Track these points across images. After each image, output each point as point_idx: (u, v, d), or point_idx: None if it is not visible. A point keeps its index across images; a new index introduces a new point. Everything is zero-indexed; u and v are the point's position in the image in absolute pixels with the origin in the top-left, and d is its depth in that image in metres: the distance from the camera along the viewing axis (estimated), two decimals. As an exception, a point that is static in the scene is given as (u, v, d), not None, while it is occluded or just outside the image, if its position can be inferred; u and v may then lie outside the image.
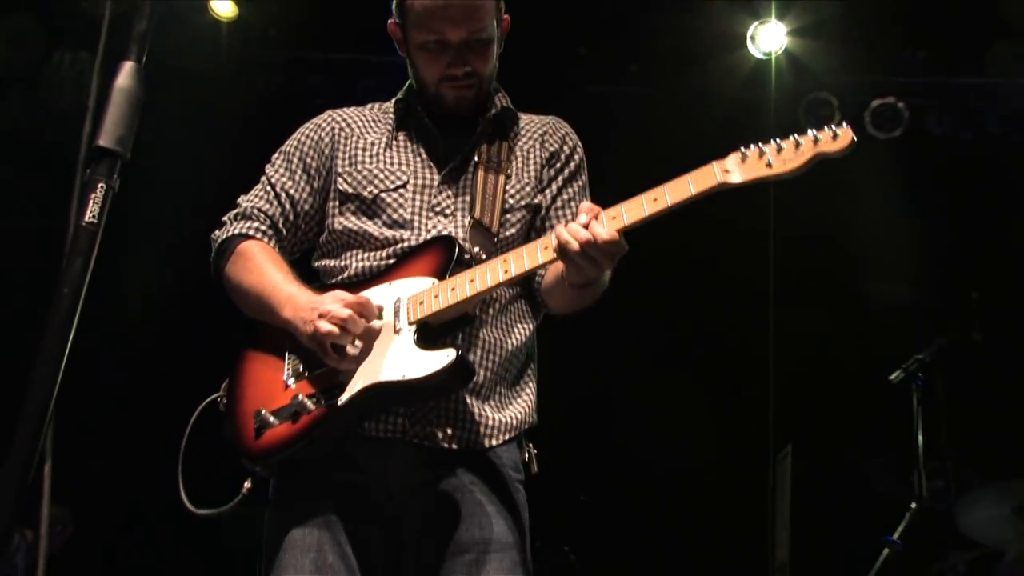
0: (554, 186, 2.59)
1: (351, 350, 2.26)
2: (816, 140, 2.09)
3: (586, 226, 2.16)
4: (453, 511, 2.33)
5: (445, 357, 2.21)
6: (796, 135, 2.13)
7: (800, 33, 6.39)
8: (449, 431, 2.36)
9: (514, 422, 2.45)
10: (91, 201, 1.56)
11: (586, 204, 2.22)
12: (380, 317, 2.31)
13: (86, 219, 1.55)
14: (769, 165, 2.12)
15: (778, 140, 2.14)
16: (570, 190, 2.60)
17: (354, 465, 2.34)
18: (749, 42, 6.37)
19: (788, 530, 6.26)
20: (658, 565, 6.60)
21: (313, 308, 2.28)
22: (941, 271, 6.39)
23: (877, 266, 6.18)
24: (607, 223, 2.16)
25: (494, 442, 2.40)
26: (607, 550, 5.47)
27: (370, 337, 2.28)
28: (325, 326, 2.23)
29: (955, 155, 6.71)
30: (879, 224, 6.24)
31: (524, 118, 2.67)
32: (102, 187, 1.58)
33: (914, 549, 5.21)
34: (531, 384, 2.54)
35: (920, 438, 5.30)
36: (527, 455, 2.50)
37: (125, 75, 1.62)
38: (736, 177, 2.12)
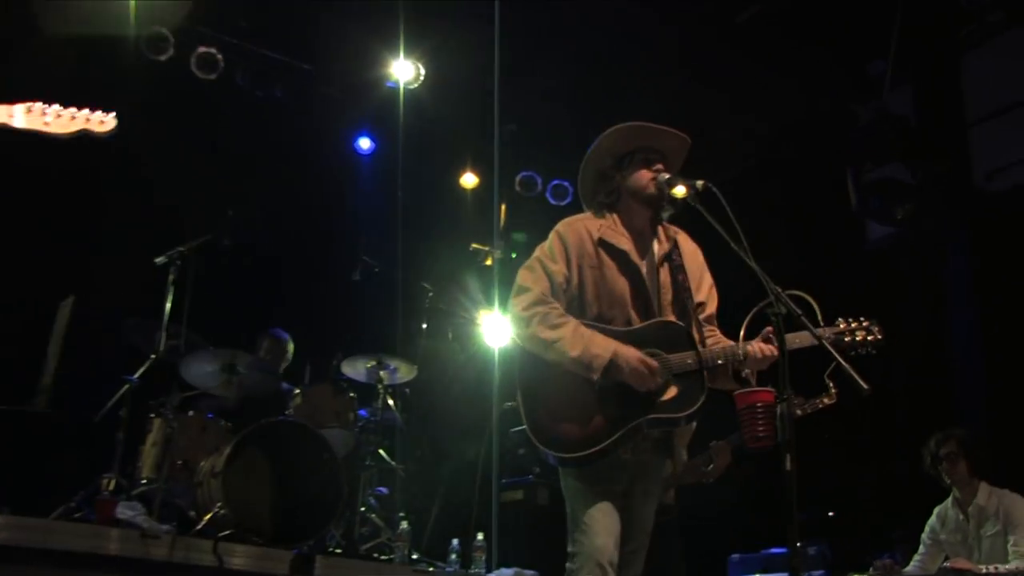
0: None
1: None
2: (88, 120, 2.16)
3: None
4: None
5: None
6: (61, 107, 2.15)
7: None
8: None
9: None
10: None
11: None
12: None
13: None
14: (47, 124, 2.14)
15: (50, 108, 2.16)
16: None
17: None
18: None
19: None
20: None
21: None
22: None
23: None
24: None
25: None
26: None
27: None
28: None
29: (249, 105, 6.71)
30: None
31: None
32: None
33: (146, 391, 4.98)
34: None
35: (167, 307, 5.07)
36: None
37: None
38: (19, 123, 2.12)
